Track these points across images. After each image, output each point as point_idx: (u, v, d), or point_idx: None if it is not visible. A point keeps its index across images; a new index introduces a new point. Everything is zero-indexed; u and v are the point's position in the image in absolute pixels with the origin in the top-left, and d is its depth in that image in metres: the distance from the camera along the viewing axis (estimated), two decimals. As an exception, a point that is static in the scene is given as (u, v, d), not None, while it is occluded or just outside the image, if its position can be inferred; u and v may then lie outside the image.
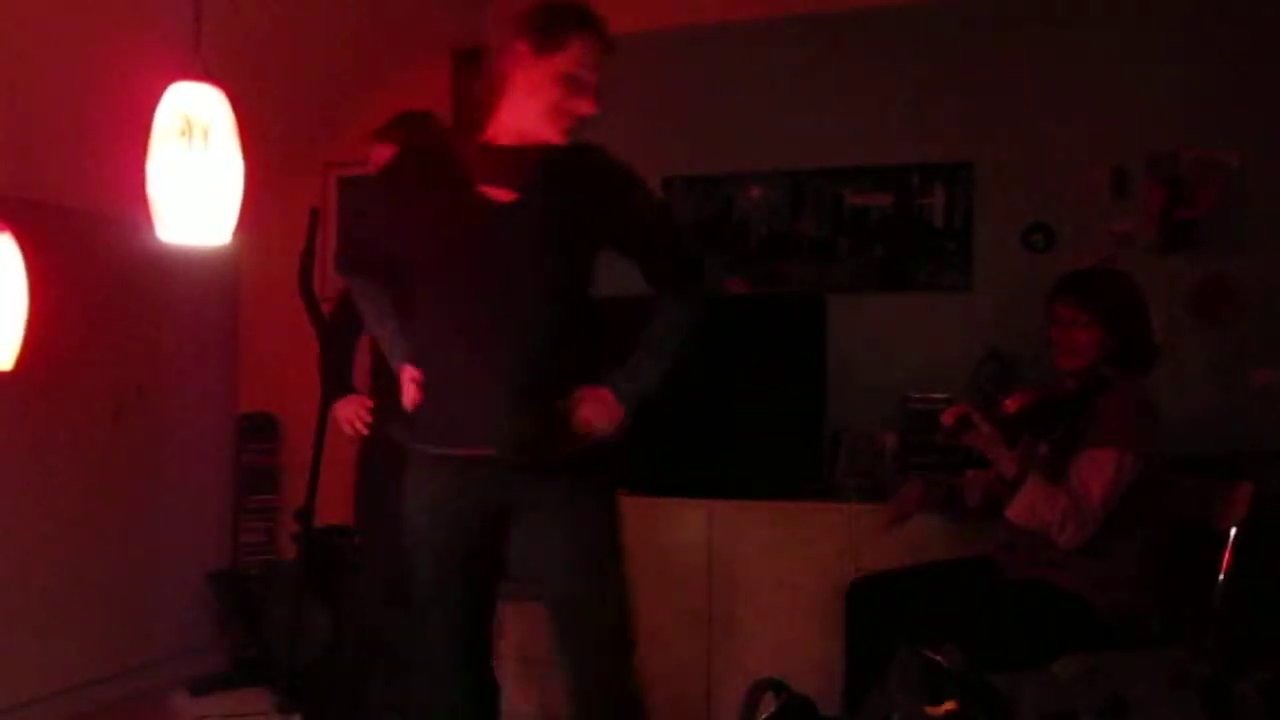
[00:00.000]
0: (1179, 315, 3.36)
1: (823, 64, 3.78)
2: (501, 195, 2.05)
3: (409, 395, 2.11)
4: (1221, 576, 2.41)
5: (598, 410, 2.02)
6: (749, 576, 3.31)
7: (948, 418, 2.46)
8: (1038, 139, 3.55)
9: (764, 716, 1.77)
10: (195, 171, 1.62)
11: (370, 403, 2.73)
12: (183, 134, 1.59)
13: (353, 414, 2.75)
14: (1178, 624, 2.50)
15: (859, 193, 3.75)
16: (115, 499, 3.71)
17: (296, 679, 3.57)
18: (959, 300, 3.63)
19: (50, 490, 3.47)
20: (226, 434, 3.96)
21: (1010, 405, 2.56)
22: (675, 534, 3.38)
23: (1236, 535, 2.43)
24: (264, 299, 4.09)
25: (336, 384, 2.86)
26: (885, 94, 3.71)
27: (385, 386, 2.45)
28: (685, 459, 3.51)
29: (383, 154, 2.48)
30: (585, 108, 2.03)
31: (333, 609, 3.50)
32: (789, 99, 3.81)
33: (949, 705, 1.39)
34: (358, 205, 2.71)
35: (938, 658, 1.48)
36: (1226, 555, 2.43)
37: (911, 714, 1.42)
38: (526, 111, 2.05)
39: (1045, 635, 2.33)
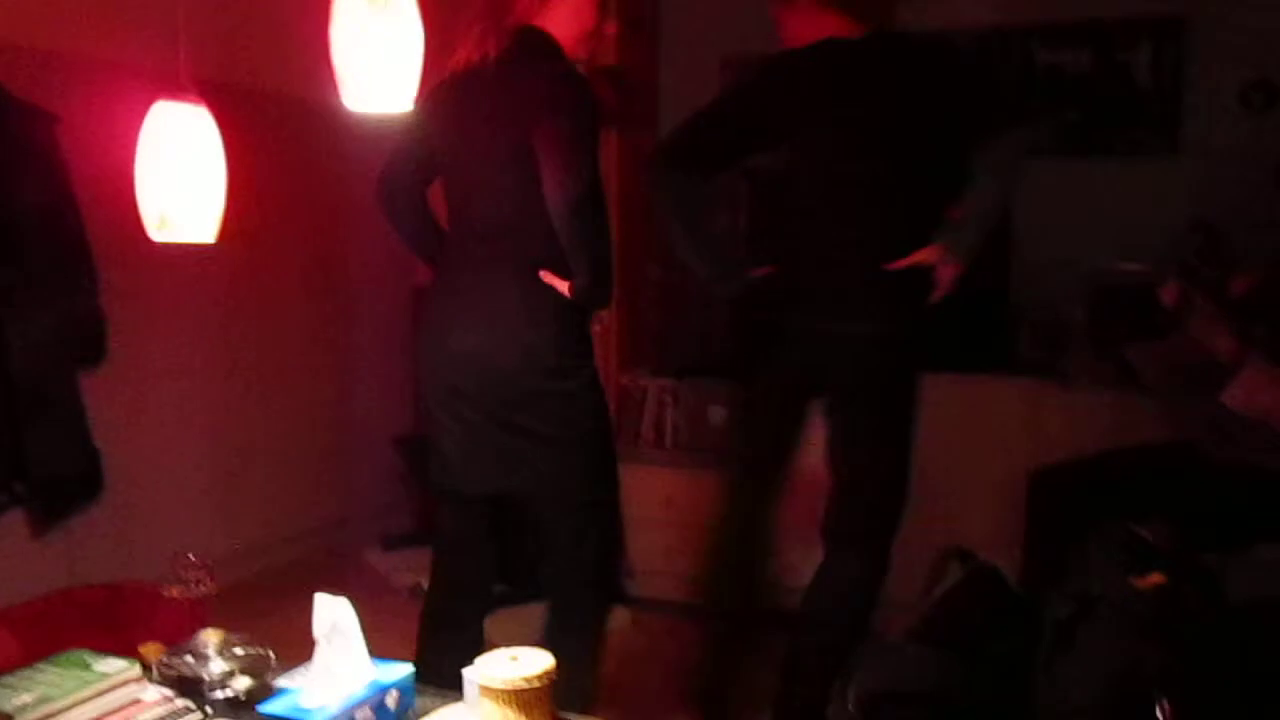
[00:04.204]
0: None
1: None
2: None
3: None
4: None
5: None
6: (924, 452, 3.24)
7: (1169, 296, 2.27)
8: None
9: (950, 583, 1.73)
10: (378, 38, 1.61)
11: None
12: (370, 2, 1.59)
13: None
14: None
15: (1052, 50, 3.49)
16: (303, 367, 3.95)
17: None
18: (1159, 165, 3.37)
19: (244, 356, 3.70)
20: (405, 305, 4.09)
21: (1239, 286, 2.36)
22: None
23: None
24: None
25: None
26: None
27: None
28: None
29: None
30: None
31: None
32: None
33: (1156, 578, 1.33)
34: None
35: (1143, 533, 1.41)
36: None
37: (1115, 585, 1.36)
38: None
39: (1256, 521, 2.20)
